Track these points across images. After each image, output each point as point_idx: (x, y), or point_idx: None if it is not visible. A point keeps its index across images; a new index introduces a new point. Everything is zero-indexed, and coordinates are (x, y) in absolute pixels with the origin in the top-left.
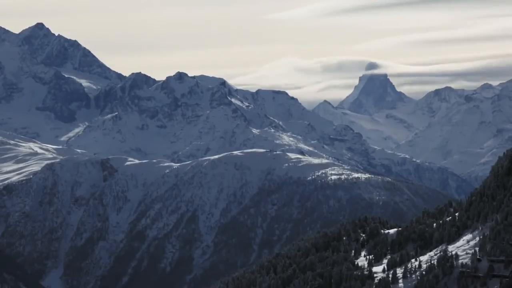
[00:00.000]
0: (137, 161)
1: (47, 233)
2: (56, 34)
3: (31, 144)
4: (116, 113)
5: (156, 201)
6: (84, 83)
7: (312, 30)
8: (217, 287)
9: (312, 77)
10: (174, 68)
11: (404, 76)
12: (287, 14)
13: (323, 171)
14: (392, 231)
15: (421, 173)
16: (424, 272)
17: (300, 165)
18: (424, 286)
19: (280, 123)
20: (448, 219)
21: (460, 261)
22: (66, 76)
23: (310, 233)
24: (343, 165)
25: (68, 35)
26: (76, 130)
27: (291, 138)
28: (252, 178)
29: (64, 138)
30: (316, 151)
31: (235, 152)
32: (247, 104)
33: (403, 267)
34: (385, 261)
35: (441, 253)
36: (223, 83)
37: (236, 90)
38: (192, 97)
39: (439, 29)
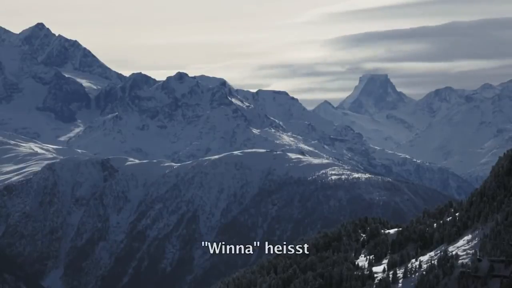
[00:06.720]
0: (137, 161)
1: (47, 233)
2: (57, 34)
3: (32, 144)
4: (117, 113)
5: (156, 201)
6: (85, 83)
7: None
8: (218, 287)
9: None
10: (175, 68)
11: (404, 76)
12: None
13: (324, 171)
14: (392, 231)
15: (422, 173)
16: (424, 272)
17: (300, 165)
18: (425, 286)
19: (281, 123)
20: (448, 219)
21: (460, 261)
22: (66, 76)
23: (310, 233)
24: (344, 165)
25: (68, 35)
26: (77, 130)
27: (291, 138)
28: (253, 178)
29: (64, 138)
30: (316, 151)
31: (235, 152)
32: (248, 104)
33: (404, 267)
34: (385, 261)
35: (442, 253)
36: (223, 83)
37: (237, 90)
38: (193, 97)
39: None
